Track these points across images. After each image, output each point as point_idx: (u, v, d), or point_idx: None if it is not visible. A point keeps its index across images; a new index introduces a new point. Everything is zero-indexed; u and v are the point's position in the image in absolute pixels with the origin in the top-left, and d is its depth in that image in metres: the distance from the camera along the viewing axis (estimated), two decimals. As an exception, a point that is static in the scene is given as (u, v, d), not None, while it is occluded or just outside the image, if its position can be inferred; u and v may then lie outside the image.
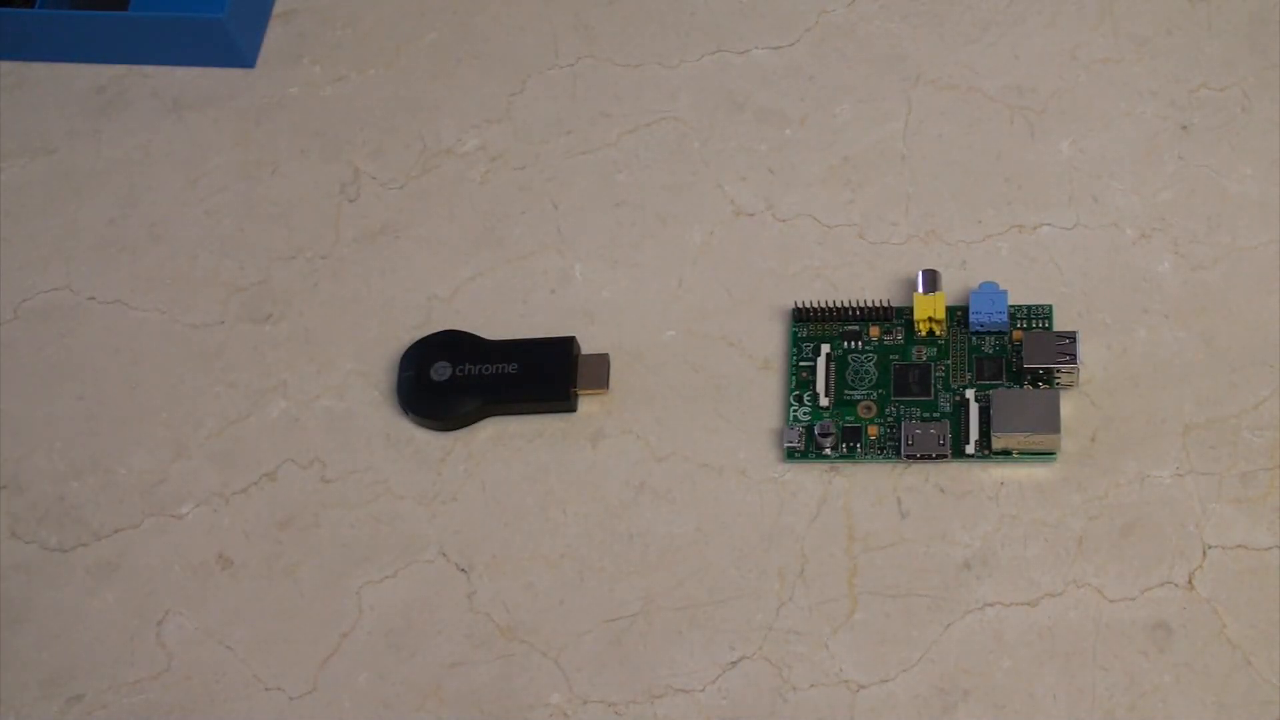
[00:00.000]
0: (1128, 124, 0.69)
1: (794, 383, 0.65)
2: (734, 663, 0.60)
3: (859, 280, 0.67)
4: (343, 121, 0.75)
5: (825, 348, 0.65)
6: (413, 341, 0.68)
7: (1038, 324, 0.65)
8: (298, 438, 0.67)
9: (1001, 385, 0.63)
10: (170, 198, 0.74)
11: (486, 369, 0.66)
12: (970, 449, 0.62)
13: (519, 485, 0.65)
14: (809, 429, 0.64)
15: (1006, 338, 0.64)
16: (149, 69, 0.77)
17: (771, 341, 0.67)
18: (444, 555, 0.64)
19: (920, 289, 0.65)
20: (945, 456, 0.62)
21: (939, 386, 0.64)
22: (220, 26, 0.75)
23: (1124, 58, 0.71)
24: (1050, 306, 0.65)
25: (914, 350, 0.65)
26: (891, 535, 0.62)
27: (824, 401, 0.64)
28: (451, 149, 0.73)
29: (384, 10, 0.78)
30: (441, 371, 0.66)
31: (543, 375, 0.66)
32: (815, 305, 0.66)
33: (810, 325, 0.66)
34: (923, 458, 0.62)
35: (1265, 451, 0.61)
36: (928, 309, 0.64)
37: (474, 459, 0.66)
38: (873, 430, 0.63)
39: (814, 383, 0.65)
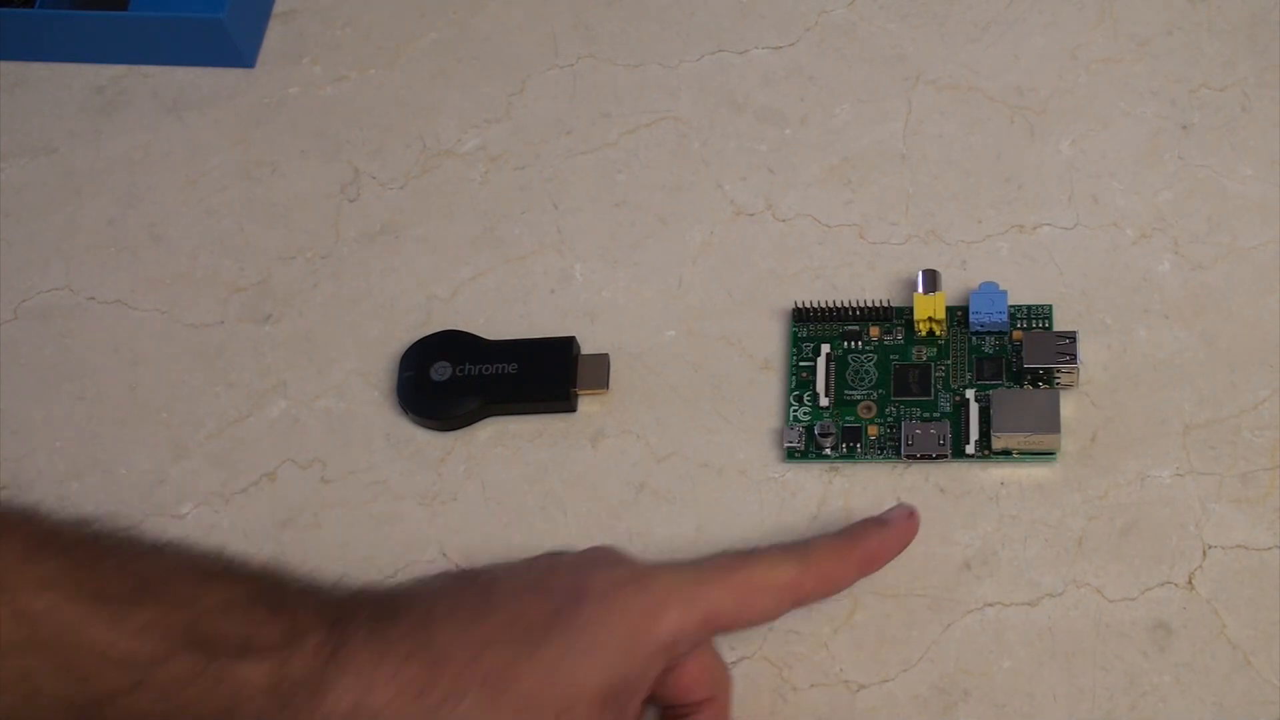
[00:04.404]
0: (1128, 124, 0.69)
1: (794, 383, 0.65)
2: (734, 663, 0.60)
3: (859, 280, 0.67)
4: (343, 121, 0.75)
5: (825, 348, 0.65)
6: (413, 341, 0.68)
7: (1038, 324, 0.65)
8: (298, 438, 0.67)
9: (1001, 385, 0.63)
10: (170, 198, 0.74)
11: (486, 369, 0.66)
12: (970, 449, 0.62)
13: (519, 485, 0.65)
14: (809, 429, 0.64)
15: (1006, 338, 0.64)
16: (149, 69, 0.77)
17: (771, 341, 0.66)
18: (444, 555, 0.64)
19: (920, 289, 0.65)
20: (945, 456, 0.62)
21: (939, 386, 0.64)
22: (220, 26, 0.75)
23: (1124, 58, 0.71)
24: (1050, 306, 0.65)
25: (914, 350, 0.65)
26: (891, 535, 0.62)
27: (824, 401, 0.64)
28: (451, 149, 0.73)
29: (384, 10, 0.78)
30: (441, 371, 0.66)
31: (543, 375, 0.66)
32: (815, 305, 0.66)
33: (810, 325, 0.66)
34: (923, 458, 0.62)
35: (1265, 451, 0.61)
36: (928, 309, 0.64)
37: (474, 459, 0.66)
38: (873, 430, 0.63)
39: (814, 383, 0.65)
